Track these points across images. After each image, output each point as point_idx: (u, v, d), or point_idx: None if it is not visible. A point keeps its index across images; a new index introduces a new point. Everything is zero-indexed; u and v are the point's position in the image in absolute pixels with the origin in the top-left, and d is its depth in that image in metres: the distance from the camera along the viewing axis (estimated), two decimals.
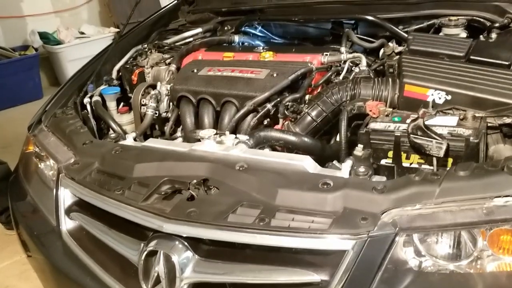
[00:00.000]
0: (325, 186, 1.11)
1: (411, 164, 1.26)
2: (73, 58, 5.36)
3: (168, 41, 2.21)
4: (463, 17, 1.77)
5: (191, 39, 2.21)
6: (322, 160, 1.44)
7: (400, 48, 1.74)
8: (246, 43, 2.18)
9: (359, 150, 1.21)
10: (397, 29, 1.82)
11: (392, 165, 1.29)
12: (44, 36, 5.42)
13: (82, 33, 5.66)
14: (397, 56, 1.70)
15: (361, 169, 1.15)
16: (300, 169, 1.20)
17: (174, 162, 1.33)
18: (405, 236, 1.01)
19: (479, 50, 1.49)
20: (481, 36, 1.71)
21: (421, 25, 1.86)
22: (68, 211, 1.46)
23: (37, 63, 5.33)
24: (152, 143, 1.48)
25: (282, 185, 1.15)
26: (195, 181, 1.22)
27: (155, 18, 2.48)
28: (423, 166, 1.25)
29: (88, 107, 1.86)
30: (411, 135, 1.19)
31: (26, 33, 5.47)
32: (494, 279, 0.98)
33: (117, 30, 5.73)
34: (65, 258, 1.43)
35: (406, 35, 1.77)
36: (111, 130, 1.75)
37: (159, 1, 5.98)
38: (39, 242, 1.59)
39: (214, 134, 1.41)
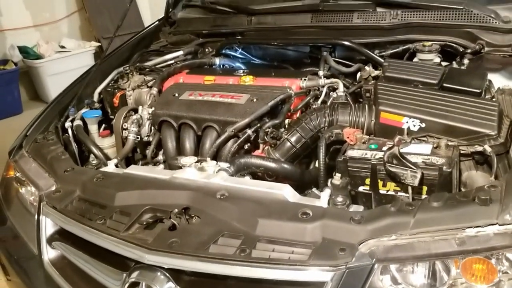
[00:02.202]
0: (304, 216, 1.13)
1: (387, 191, 1.30)
2: (53, 73, 5.33)
3: (150, 63, 2.22)
4: (436, 42, 1.83)
5: (172, 61, 2.23)
6: (302, 185, 1.48)
7: (376, 72, 1.79)
8: (226, 66, 2.21)
9: (337, 179, 1.25)
10: (372, 54, 1.87)
11: (370, 192, 1.32)
12: (23, 50, 5.37)
13: (63, 47, 5.63)
14: (374, 81, 1.75)
15: (339, 198, 1.19)
16: (280, 198, 1.23)
17: (156, 190, 1.35)
18: (382, 265, 1.04)
19: (451, 78, 1.54)
20: (454, 62, 1.77)
21: (397, 50, 1.91)
22: (50, 240, 1.46)
23: (17, 78, 5.28)
24: (133, 170, 1.49)
25: (262, 214, 1.17)
26: (176, 210, 1.23)
27: (137, 39, 2.50)
28: (400, 194, 1.28)
29: (70, 131, 1.85)
30: (387, 164, 1.23)
31: (5, 47, 5.41)
32: None
33: (98, 44, 5.72)
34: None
35: (381, 60, 1.82)
36: (92, 155, 1.76)
37: (141, 15, 6.01)
38: (19, 269, 1.58)
39: (195, 162, 1.42)
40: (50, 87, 5.38)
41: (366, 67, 1.83)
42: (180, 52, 2.25)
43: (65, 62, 5.41)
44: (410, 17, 1.91)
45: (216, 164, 1.44)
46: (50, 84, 5.37)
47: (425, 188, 1.25)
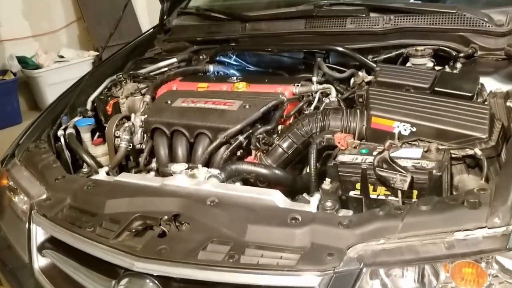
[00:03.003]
0: (293, 221, 1.13)
1: (378, 196, 1.29)
2: (52, 82, 5.34)
3: (143, 70, 2.22)
4: (429, 47, 1.83)
5: (166, 69, 2.23)
6: (294, 191, 1.47)
7: (369, 78, 1.79)
8: (221, 72, 2.21)
9: (326, 184, 1.24)
10: (366, 60, 1.87)
11: (360, 196, 1.31)
12: (22, 61, 5.39)
13: (62, 56, 5.65)
14: (367, 86, 1.75)
15: (328, 203, 1.18)
16: (269, 204, 1.22)
17: (146, 197, 1.34)
18: (370, 269, 1.03)
19: (443, 82, 1.54)
20: (447, 66, 1.77)
21: (390, 55, 1.91)
22: (40, 248, 1.45)
23: (16, 88, 5.29)
24: (124, 177, 1.48)
25: (251, 220, 1.16)
26: (166, 217, 1.23)
27: (131, 47, 2.51)
28: (390, 198, 1.28)
29: (62, 139, 1.85)
30: (377, 168, 1.22)
31: (4, 57, 5.43)
32: None
33: (97, 53, 5.74)
34: None
35: (374, 65, 1.82)
36: (84, 164, 1.75)
37: (139, 24, 6.04)
38: (12, 278, 1.58)
39: (186, 169, 1.42)
40: (50, 96, 5.38)
41: (360, 73, 1.83)
42: (174, 60, 2.25)
43: (64, 71, 5.42)
44: (403, 22, 1.91)
45: (207, 170, 1.43)
46: (49, 93, 5.37)
47: (415, 192, 1.24)
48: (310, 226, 1.09)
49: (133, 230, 1.25)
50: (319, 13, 2.08)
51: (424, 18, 1.88)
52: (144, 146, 1.84)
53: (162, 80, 2.05)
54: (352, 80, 1.88)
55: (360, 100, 1.68)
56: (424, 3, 2.01)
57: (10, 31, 5.43)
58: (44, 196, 1.50)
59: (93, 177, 1.54)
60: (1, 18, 5.39)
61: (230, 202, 1.25)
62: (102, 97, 2.07)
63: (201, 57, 2.32)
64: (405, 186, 1.17)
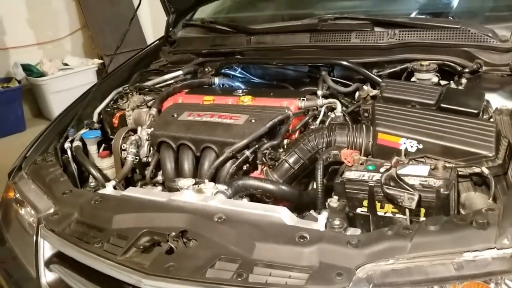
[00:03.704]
0: (301, 240, 1.13)
1: (385, 213, 1.29)
2: (56, 90, 5.37)
3: (149, 83, 2.24)
4: (434, 61, 1.84)
5: (171, 81, 2.24)
6: (300, 207, 1.48)
7: (374, 92, 1.80)
8: (226, 85, 2.22)
9: (334, 202, 1.24)
10: (371, 74, 1.88)
11: (368, 214, 1.32)
12: (27, 68, 5.41)
13: (66, 64, 5.67)
14: (372, 100, 1.76)
15: (336, 221, 1.18)
16: (277, 221, 1.23)
17: (153, 213, 1.34)
18: None
19: (449, 98, 1.55)
20: (451, 81, 1.77)
21: (395, 69, 1.92)
22: (48, 263, 1.46)
23: (20, 96, 5.31)
24: (131, 192, 1.49)
25: (259, 238, 1.16)
26: (174, 233, 1.23)
27: (137, 59, 2.52)
28: (397, 216, 1.28)
29: (69, 152, 1.86)
30: (384, 186, 1.23)
31: (9, 65, 5.47)
32: None
33: (101, 61, 5.77)
34: None
35: (379, 80, 1.83)
36: (91, 177, 1.76)
37: (143, 32, 6.07)
38: None
39: (193, 184, 1.42)
40: (53, 104, 5.41)
41: (364, 87, 1.84)
42: (180, 72, 2.27)
43: (68, 79, 5.45)
44: (408, 36, 1.93)
45: (214, 186, 1.44)
46: (53, 101, 5.41)
47: (423, 210, 1.24)
48: (319, 245, 1.09)
49: (141, 247, 1.25)
50: (323, 27, 2.10)
51: (429, 33, 1.89)
52: (150, 159, 1.85)
53: (168, 92, 2.06)
54: (357, 94, 1.89)
55: (366, 114, 1.68)
56: (428, 18, 2.02)
57: (15, 39, 5.47)
58: (51, 210, 1.51)
59: (100, 192, 1.55)
60: (6, 26, 5.42)
61: (237, 218, 1.26)
62: (109, 109, 2.08)
63: (206, 69, 2.33)
64: (413, 205, 1.17)
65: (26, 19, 5.58)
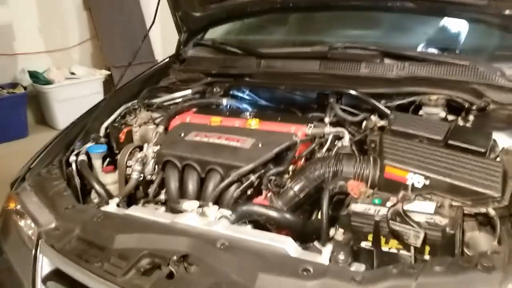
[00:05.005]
0: (305, 273, 1.12)
1: (390, 248, 1.28)
2: (61, 98, 5.40)
3: (158, 100, 2.25)
4: (442, 96, 1.85)
5: (180, 99, 2.26)
6: (304, 236, 1.47)
7: (382, 122, 1.81)
8: (233, 106, 2.23)
9: (339, 235, 1.24)
10: (379, 105, 1.89)
11: (372, 248, 1.31)
12: (34, 75, 5.45)
13: (73, 73, 5.71)
14: (379, 131, 1.76)
15: (341, 256, 1.17)
16: (281, 252, 1.22)
17: (156, 234, 1.34)
18: None
19: (457, 135, 1.55)
20: (459, 118, 1.78)
21: (403, 101, 1.93)
22: (45, 279, 1.44)
23: (25, 102, 5.34)
24: (134, 211, 1.48)
25: (262, 268, 1.15)
26: (175, 257, 1.22)
27: (147, 75, 2.54)
28: (402, 252, 1.27)
29: (73, 165, 1.86)
30: (390, 221, 1.22)
31: (16, 71, 5.51)
32: None
33: (108, 72, 5.80)
34: None
35: (387, 111, 1.84)
36: (94, 192, 1.75)
37: (152, 46, 6.12)
38: None
39: (198, 207, 1.42)
40: (57, 112, 5.44)
41: (372, 117, 1.85)
42: (189, 91, 2.28)
43: (74, 88, 5.48)
44: (417, 70, 1.94)
45: (218, 210, 1.43)
46: (58, 109, 5.43)
47: (427, 248, 1.23)
48: (322, 280, 1.08)
49: (141, 269, 1.24)
50: (333, 55, 2.12)
51: (438, 68, 1.91)
52: (154, 177, 1.84)
53: (176, 111, 2.07)
54: (364, 124, 1.89)
55: (373, 145, 1.68)
56: (437, 53, 2.04)
57: (24, 45, 5.52)
58: (52, 225, 1.50)
59: (103, 209, 1.54)
60: (17, 32, 5.48)
61: (240, 246, 1.25)
62: (116, 124, 2.09)
63: (215, 89, 2.34)
64: (418, 243, 1.17)
65: (37, 26, 5.64)
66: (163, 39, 6.23)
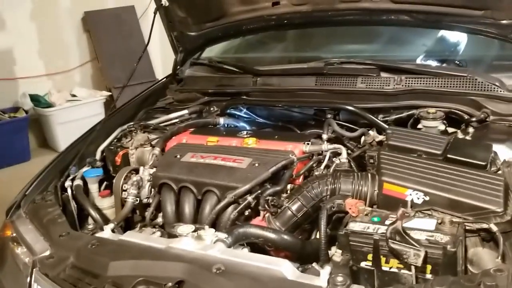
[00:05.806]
0: None
1: (390, 268, 1.25)
2: (63, 121, 5.40)
3: (154, 121, 2.23)
4: (441, 109, 1.82)
5: (177, 120, 2.24)
6: (303, 257, 1.43)
7: (380, 137, 1.78)
8: (231, 125, 2.21)
9: (338, 256, 1.20)
10: (376, 120, 1.87)
11: (372, 268, 1.27)
12: (35, 99, 5.46)
13: (74, 95, 5.73)
14: (378, 146, 1.74)
15: (339, 278, 1.13)
16: (277, 275, 1.18)
17: (150, 260, 1.31)
18: None
19: (456, 148, 1.52)
20: (459, 130, 1.75)
21: (401, 115, 1.91)
22: None
23: (27, 126, 5.34)
24: (129, 237, 1.45)
25: None
26: (170, 283, 1.19)
27: (143, 96, 2.53)
28: (402, 271, 1.23)
29: (69, 190, 1.84)
30: (390, 240, 1.19)
31: (17, 95, 5.53)
32: None
33: (109, 93, 5.82)
34: None
35: (385, 125, 1.82)
36: (90, 218, 1.73)
37: (152, 66, 6.14)
38: None
39: (193, 231, 1.39)
40: (60, 135, 5.44)
41: (370, 132, 1.82)
42: (185, 111, 2.27)
43: (75, 110, 5.49)
44: (414, 83, 1.92)
45: (214, 233, 1.40)
46: (60, 132, 5.43)
47: (429, 267, 1.19)
48: None
49: None
50: (329, 71, 2.11)
51: (435, 81, 1.89)
52: (151, 200, 1.82)
53: (172, 132, 2.06)
54: (362, 139, 1.87)
55: (371, 161, 1.66)
56: (434, 65, 2.03)
57: (24, 69, 5.54)
58: (47, 253, 1.47)
59: (97, 235, 1.51)
60: (17, 57, 5.51)
61: (236, 270, 1.21)
62: (112, 147, 2.07)
63: (211, 109, 2.33)
64: (419, 262, 1.13)
65: (36, 50, 5.67)
66: (164, 58, 6.26)
